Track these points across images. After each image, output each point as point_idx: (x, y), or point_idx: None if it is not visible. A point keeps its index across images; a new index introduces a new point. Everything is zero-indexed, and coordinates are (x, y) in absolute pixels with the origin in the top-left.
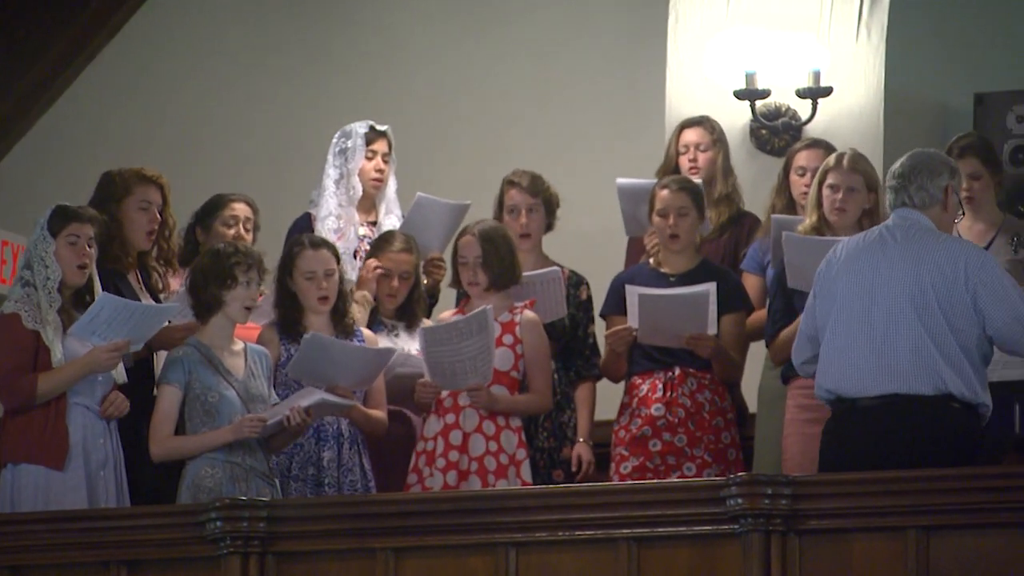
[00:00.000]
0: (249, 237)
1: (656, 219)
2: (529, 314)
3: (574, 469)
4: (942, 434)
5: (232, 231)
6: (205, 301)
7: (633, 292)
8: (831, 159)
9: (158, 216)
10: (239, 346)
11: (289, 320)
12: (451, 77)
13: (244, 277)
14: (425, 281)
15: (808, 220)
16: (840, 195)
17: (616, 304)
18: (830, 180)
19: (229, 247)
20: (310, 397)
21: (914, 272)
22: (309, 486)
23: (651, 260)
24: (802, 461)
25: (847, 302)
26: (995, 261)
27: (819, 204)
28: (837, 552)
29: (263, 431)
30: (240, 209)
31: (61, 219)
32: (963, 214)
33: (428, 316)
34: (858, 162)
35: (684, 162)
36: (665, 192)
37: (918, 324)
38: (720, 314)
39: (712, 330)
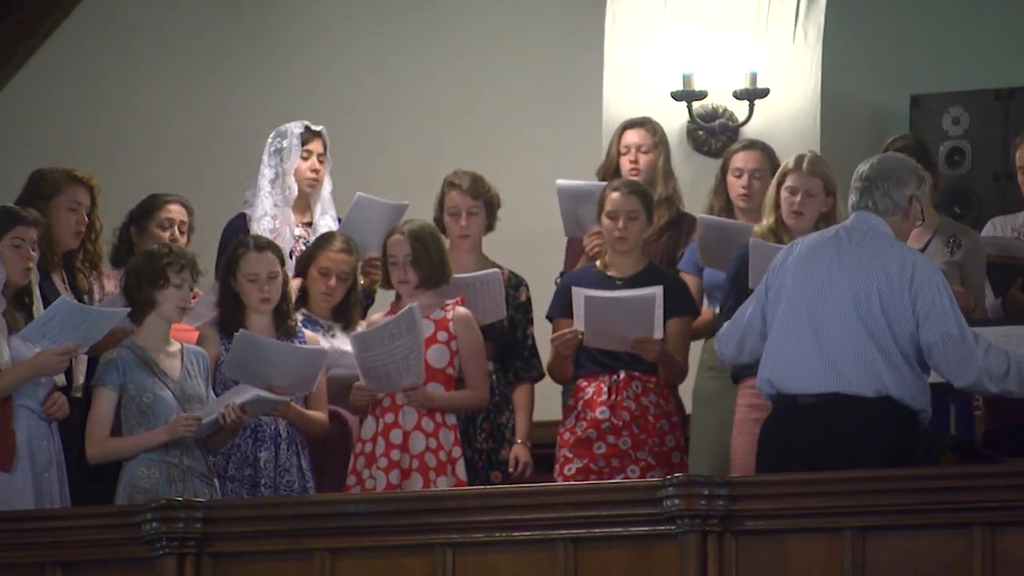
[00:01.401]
0: (183, 240)
1: (605, 221)
2: (461, 310)
3: (511, 470)
4: (878, 436)
5: (167, 234)
6: (139, 302)
7: (579, 294)
8: (790, 161)
9: (86, 218)
10: (175, 347)
11: (230, 320)
12: (389, 78)
13: (177, 278)
14: (362, 281)
15: (765, 221)
16: (798, 198)
17: (562, 306)
18: (788, 182)
19: (162, 248)
20: (245, 394)
21: (863, 275)
22: (245, 487)
23: (597, 262)
24: (751, 460)
25: (796, 298)
26: (942, 277)
27: (776, 206)
28: (773, 553)
29: (199, 430)
30: (176, 211)
31: (6, 221)
32: (922, 222)
33: (364, 317)
34: (817, 165)
35: (625, 163)
36: (616, 195)
37: (862, 327)
38: (666, 317)
39: (658, 334)
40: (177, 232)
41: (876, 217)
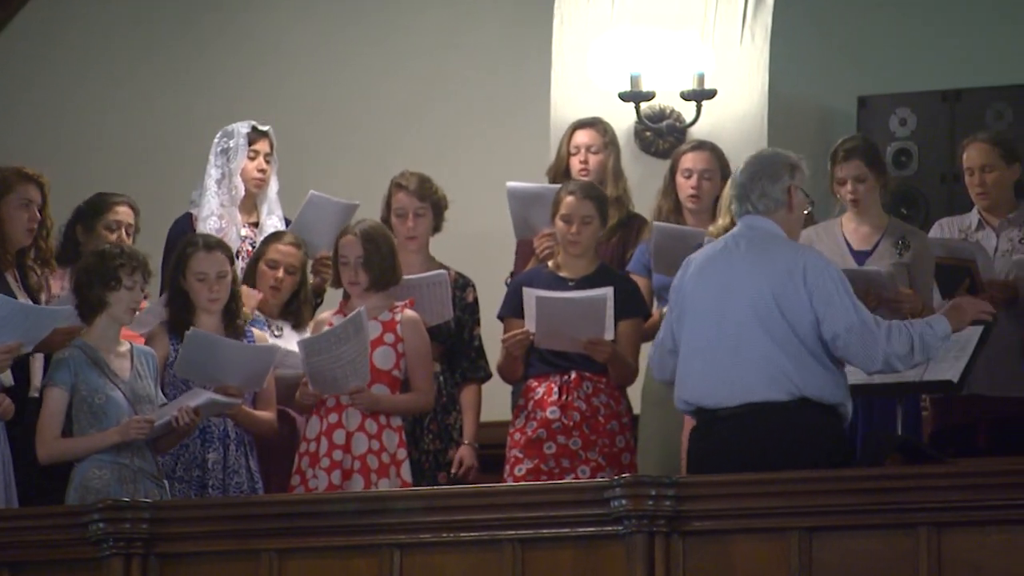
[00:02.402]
0: (129, 241)
1: (559, 224)
2: (409, 313)
3: (454, 471)
4: (801, 437)
5: (114, 235)
6: (90, 302)
7: (530, 295)
8: (742, 163)
9: (38, 214)
10: (125, 347)
11: (179, 319)
12: (336, 78)
13: (129, 280)
14: (313, 280)
15: (720, 222)
16: None
17: (514, 307)
18: None
19: (114, 249)
20: (198, 397)
21: (758, 281)
22: (193, 488)
23: (549, 263)
24: None
25: (699, 315)
26: (835, 268)
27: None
28: (720, 553)
29: (151, 433)
30: (124, 213)
31: None
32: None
33: (313, 317)
34: None
35: (575, 163)
36: (571, 199)
37: (764, 333)
38: (617, 319)
39: (609, 335)
40: (124, 234)
41: (761, 218)
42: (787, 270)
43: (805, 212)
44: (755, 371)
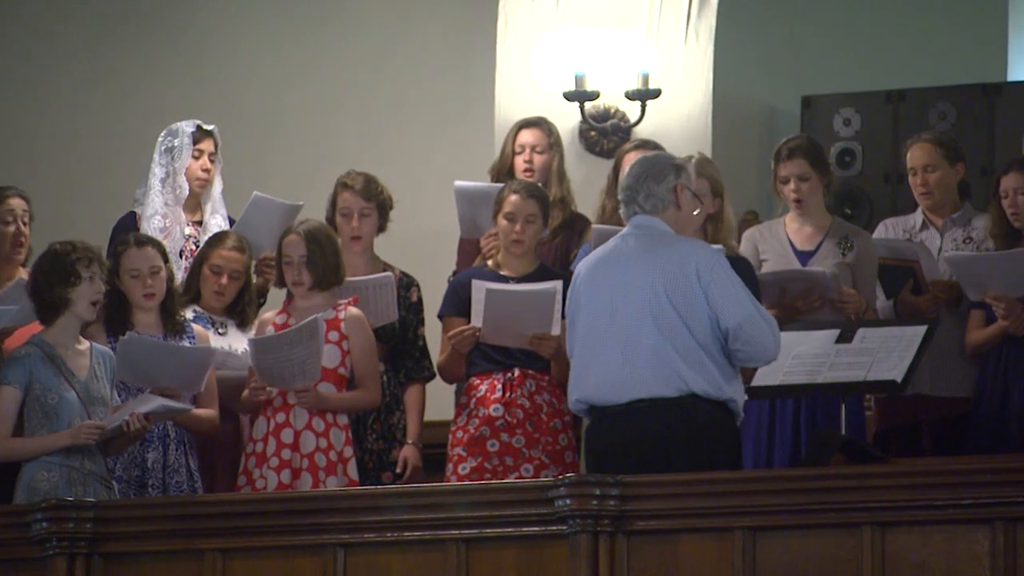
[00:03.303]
0: (27, 230)
1: (502, 222)
2: (353, 311)
3: (398, 471)
4: (690, 433)
5: (11, 228)
6: (51, 303)
7: (480, 287)
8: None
9: None
10: (84, 345)
11: (117, 319)
12: (282, 78)
13: (87, 272)
14: (257, 280)
15: None
16: None
17: (454, 305)
18: None
19: (66, 245)
20: (149, 403)
21: (649, 278)
22: (133, 487)
23: (489, 262)
24: None
25: (592, 316)
26: (726, 261)
27: None
28: (665, 553)
29: (101, 437)
30: (16, 204)
31: None
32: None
33: (257, 316)
34: (703, 167)
35: (519, 162)
36: (515, 198)
37: (656, 329)
38: (561, 317)
39: (556, 330)
40: (20, 224)
41: (650, 217)
42: (679, 267)
43: (696, 212)
44: (645, 367)
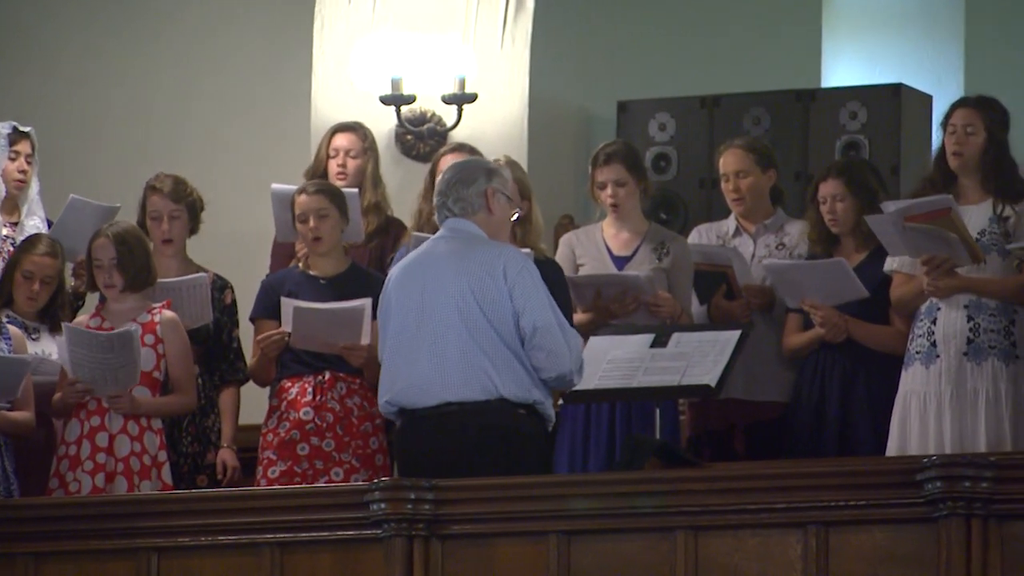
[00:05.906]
0: None
1: (299, 225)
2: (168, 313)
3: (219, 476)
4: (498, 436)
5: None
6: None
7: (288, 305)
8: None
9: None
10: None
11: None
12: (98, 78)
13: None
14: (73, 283)
15: None
16: None
17: (265, 308)
18: None
19: None
20: None
21: (457, 281)
22: None
23: (300, 263)
24: None
25: (402, 319)
26: (534, 267)
27: None
28: (480, 556)
29: None
30: None
31: None
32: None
33: (72, 319)
34: (511, 170)
35: (333, 166)
36: (303, 197)
37: (464, 331)
38: (372, 319)
39: (366, 341)
40: None
41: (461, 220)
42: (487, 268)
43: (513, 218)
44: (453, 370)
